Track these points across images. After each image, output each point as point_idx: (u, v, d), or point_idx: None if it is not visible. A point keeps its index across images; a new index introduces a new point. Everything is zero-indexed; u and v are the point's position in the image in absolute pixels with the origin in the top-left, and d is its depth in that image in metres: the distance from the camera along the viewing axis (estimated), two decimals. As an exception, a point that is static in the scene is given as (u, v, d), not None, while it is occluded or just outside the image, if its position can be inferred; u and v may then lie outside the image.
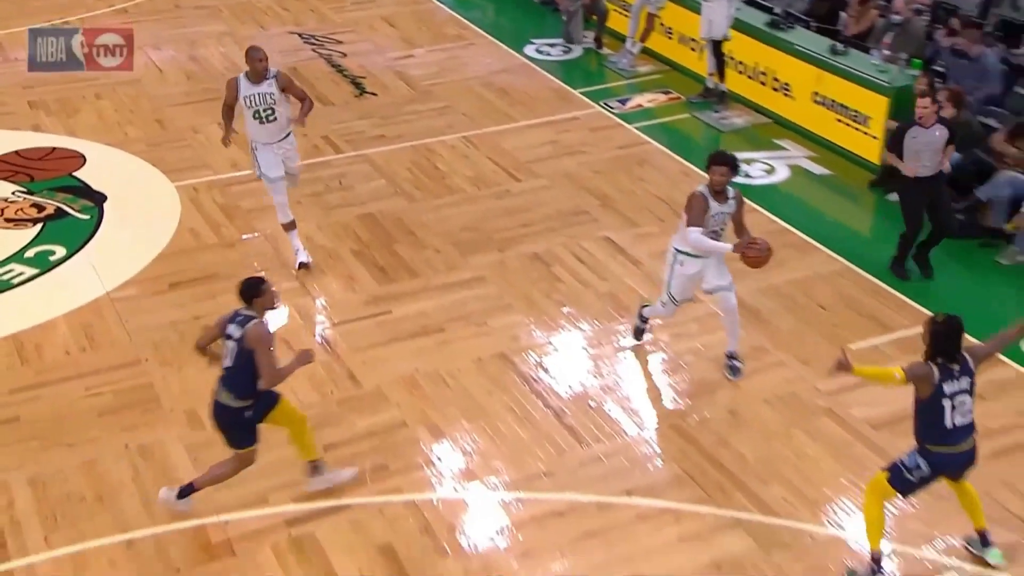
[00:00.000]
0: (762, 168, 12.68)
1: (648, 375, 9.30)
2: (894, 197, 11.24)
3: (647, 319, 9.46)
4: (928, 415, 6.81)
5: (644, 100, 14.41)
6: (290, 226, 10.55)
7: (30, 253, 10.81)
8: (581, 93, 14.57)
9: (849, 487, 8.09)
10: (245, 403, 7.28)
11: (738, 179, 12.10)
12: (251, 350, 7.14)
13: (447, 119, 13.81)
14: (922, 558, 7.49)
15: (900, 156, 10.15)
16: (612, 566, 7.35)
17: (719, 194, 8.72)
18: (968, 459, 7.00)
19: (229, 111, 10.16)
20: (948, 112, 10.69)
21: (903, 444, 8.27)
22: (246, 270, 10.55)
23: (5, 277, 10.44)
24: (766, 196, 12.05)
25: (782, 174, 12.61)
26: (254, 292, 7.33)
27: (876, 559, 7.09)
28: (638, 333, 9.55)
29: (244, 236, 11.25)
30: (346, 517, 7.70)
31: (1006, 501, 7.89)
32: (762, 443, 8.49)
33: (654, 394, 9.08)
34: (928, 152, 9.97)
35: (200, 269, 10.69)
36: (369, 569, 7.30)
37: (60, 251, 10.86)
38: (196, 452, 8.26)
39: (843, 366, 6.73)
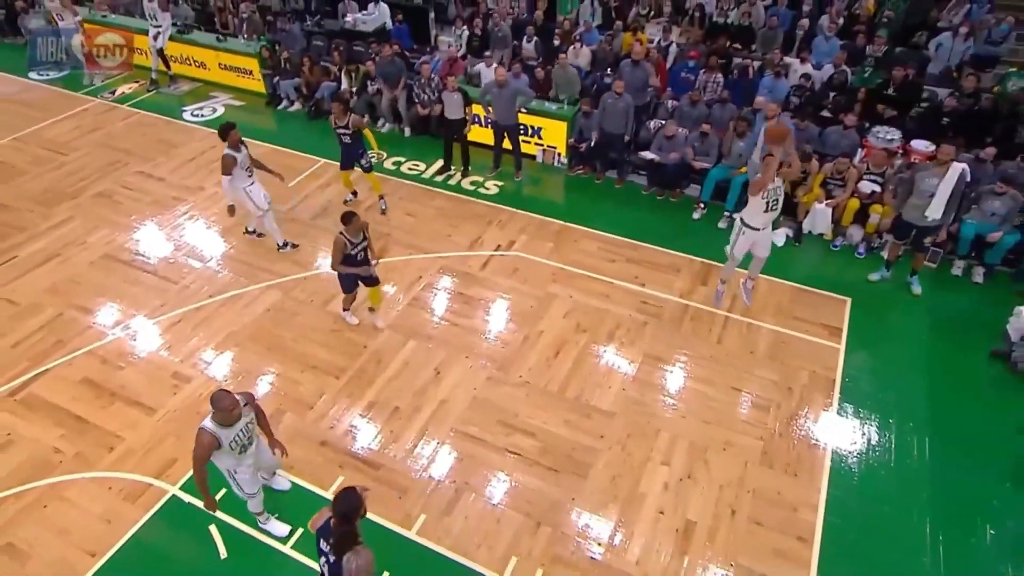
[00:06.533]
0: (209, 110, 10.37)
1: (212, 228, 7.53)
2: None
3: None
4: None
5: (125, 89, 10.99)
6: None
7: None
8: (82, 94, 10.77)
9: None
10: None
11: (193, 118, 9.94)
12: None
13: (-4, 131, 9.62)
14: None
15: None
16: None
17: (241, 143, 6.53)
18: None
19: None
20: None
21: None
22: None
23: None
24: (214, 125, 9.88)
25: (220, 111, 10.36)
26: None
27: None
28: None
29: None
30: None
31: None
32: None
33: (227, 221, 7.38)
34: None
35: None
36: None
37: None
38: None
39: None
